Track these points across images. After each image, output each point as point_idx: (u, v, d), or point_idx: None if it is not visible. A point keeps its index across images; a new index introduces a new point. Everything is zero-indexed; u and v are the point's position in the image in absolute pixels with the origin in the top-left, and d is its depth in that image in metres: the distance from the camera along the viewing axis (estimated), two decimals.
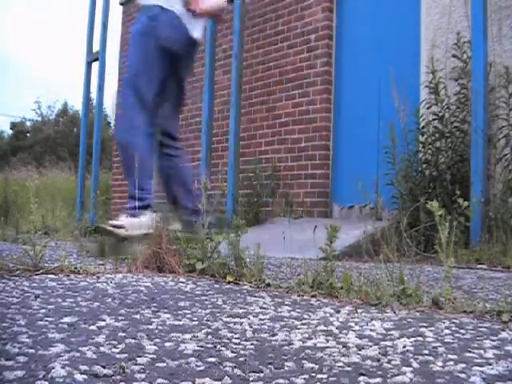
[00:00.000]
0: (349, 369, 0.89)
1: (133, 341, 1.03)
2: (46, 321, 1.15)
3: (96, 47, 6.46)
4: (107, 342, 1.00)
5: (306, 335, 1.13)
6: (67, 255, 2.18)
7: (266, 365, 0.90)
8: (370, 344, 1.07)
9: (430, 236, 3.11)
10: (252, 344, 1.04)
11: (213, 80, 5.46)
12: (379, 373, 0.87)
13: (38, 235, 1.99)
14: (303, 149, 5.09)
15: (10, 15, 77.43)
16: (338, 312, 1.41)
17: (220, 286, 1.84)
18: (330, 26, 5.09)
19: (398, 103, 3.78)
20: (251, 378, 0.83)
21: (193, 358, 0.92)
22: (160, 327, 1.16)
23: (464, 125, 3.72)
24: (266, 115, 5.49)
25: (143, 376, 0.82)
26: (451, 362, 0.94)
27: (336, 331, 1.18)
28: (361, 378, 0.84)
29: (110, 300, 1.45)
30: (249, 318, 1.29)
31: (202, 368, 0.87)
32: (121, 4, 7.77)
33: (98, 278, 1.86)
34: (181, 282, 1.85)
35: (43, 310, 1.26)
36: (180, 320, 1.25)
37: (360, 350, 1.02)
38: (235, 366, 0.89)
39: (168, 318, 1.26)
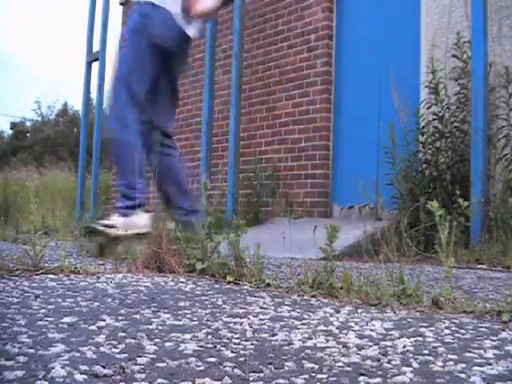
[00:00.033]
0: (349, 369, 0.89)
1: (133, 341, 1.03)
2: (46, 321, 1.15)
3: (96, 47, 6.47)
4: (107, 342, 1.00)
5: (306, 335, 1.13)
6: (67, 255, 2.18)
7: (266, 365, 0.90)
8: (370, 344, 1.07)
9: (430, 236, 3.11)
10: (252, 344, 1.04)
11: (213, 80, 5.46)
12: (379, 373, 0.87)
13: (38, 235, 1.99)
14: (303, 149, 5.09)
15: (9, 15, 77.51)
16: (338, 312, 1.41)
17: (220, 285, 1.84)
18: (330, 26, 5.09)
19: (398, 103, 3.78)
20: (251, 378, 0.83)
21: (193, 358, 0.92)
22: (160, 327, 1.16)
23: (464, 125, 3.72)
24: (266, 115, 5.49)
25: (143, 376, 0.82)
26: (451, 362, 0.94)
27: (336, 331, 1.18)
28: (361, 378, 0.84)
29: (110, 300, 1.45)
30: (249, 318, 1.29)
31: (201, 368, 0.87)
32: (121, 4, 7.77)
33: (98, 278, 1.86)
34: (181, 282, 1.85)
35: (43, 310, 1.26)
36: (180, 320, 1.25)
37: (360, 350, 1.02)
38: (235, 366, 0.89)
39: (168, 318, 1.25)
